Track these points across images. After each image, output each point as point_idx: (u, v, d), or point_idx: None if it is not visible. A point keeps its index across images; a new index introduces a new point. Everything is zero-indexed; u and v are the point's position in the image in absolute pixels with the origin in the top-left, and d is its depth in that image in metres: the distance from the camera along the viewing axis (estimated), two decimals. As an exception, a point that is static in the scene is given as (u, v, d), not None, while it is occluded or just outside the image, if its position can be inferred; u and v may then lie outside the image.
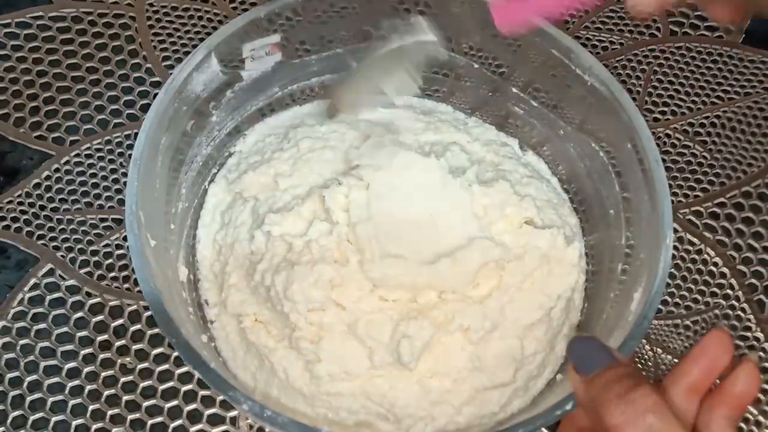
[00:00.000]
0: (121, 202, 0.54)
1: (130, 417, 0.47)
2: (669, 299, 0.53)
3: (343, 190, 0.45)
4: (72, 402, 0.47)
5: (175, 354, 0.49)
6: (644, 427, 0.31)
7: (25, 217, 0.53)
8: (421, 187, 0.46)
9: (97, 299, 0.50)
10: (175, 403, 0.48)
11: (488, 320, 0.43)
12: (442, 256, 0.44)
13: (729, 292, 0.53)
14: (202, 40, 0.55)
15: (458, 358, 0.43)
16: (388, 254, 0.43)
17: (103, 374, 0.48)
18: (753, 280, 0.54)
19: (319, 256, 0.43)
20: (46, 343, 0.49)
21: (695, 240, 0.55)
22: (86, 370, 0.48)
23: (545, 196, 0.50)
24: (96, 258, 0.52)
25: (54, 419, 0.47)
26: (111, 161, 0.56)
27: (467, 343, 0.43)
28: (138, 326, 0.50)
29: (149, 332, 0.49)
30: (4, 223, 0.53)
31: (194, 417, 0.47)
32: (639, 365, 0.50)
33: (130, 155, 0.43)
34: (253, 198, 0.49)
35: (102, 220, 0.53)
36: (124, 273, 0.51)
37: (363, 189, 0.46)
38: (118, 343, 0.49)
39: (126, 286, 0.51)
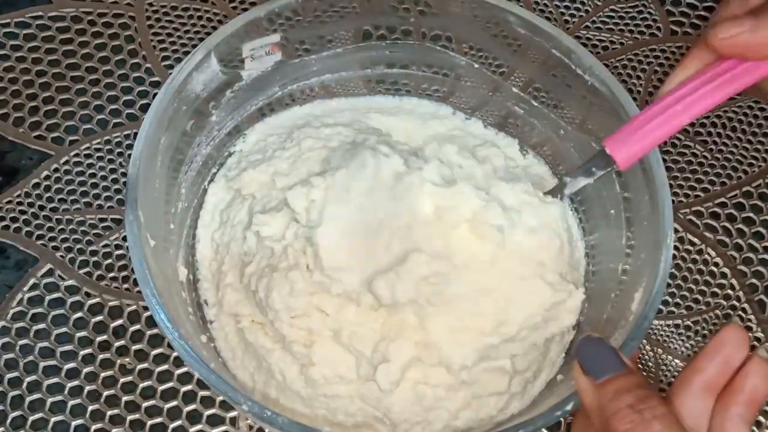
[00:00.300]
0: (121, 202, 0.54)
1: (130, 417, 0.47)
2: (669, 299, 0.53)
3: (304, 190, 0.44)
4: (71, 402, 0.47)
5: (175, 354, 0.49)
6: None
7: (24, 217, 0.53)
8: (376, 187, 0.43)
9: (97, 299, 0.50)
10: (174, 403, 0.47)
11: (469, 360, 0.42)
12: (389, 268, 0.41)
13: (730, 292, 0.53)
14: (201, 39, 0.55)
15: (445, 377, 0.42)
16: (336, 266, 0.42)
17: (103, 375, 0.48)
18: (754, 281, 0.54)
19: (294, 263, 0.43)
20: (45, 344, 0.49)
21: (696, 240, 0.55)
22: (85, 370, 0.48)
23: (560, 233, 0.46)
24: (95, 258, 0.52)
25: (53, 420, 0.47)
26: (110, 161, 0.56)
27: (450, 372, 0.42)
28: (137, 326, 0.50)
29: (149, 332, 0.49)
30: (4, 223, 0.53)
31: (194, 417, 0.47)
32: (639, 366, 0.50)
33: (129, 155, 0.43)
34: (251, 196, 0.48)
35: (101, 220, 0.53)
36: (124, 273, 0.51)
37: (322, 190, 0.44)
38: (117, 344, 0.49)
39: (125, 286, 0.51)
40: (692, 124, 0.60)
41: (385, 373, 0.41)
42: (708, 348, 0.36)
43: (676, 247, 0.53)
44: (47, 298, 0.50)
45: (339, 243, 0.42)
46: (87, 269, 0.51)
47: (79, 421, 0.47)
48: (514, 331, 0.42)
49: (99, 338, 0.49)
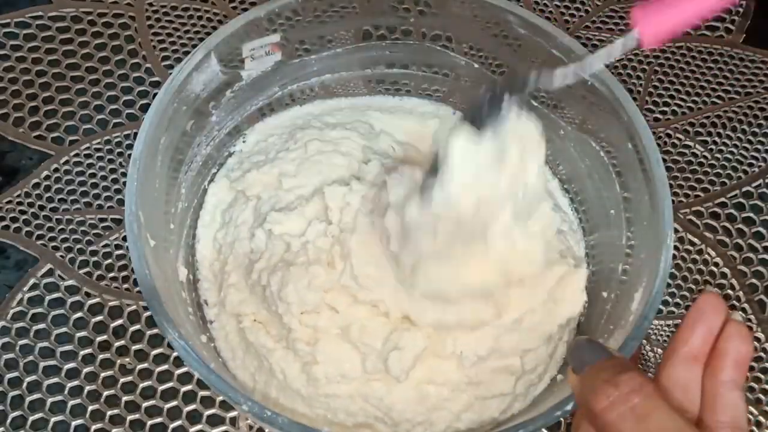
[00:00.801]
0: (121, 202, 0.54)
1: (130, 417, 0.47)
2: (669, 299, 0.53)
3: (344, 190, 0.45)
4: (71, 402, 0.47)
5: (175, 354, 0.49)
6: (629, 407, 0.31)
7: (24, 217, 0.53)
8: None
9: (97, 299, 0.50)
10: (174, 403, 0.47)
11: (483, 349, 0.42)
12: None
13: (730, 292, 0.53)
14: (201, 40, 0.55)
15: (453, 374, 0.43)
16: (367, 275, 0.42)
17: (103, 375, 0.48)
18: (754, 281, 0.54)
19: (314, 258, 0.43)
20: (45, 344, 0.49)
21: (696, 240, 0.55)
22: (85, 370, 0.48)
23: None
24: (95, 258, 0.52)
25: (53, 420, 0.47)
26: (110, 161, 0.56)
27: (460, 366, 0.42)
28: (137, 326, 0.50)
29: (149, 332, 0.49)
30: (4, 223, 0.53)
31: (194, 417, 0.47)
32: (640, 366, 0.50)
33: (129, 155, 0.43)
34: (255, 197, 0.48)
35: (101, 220, 0.53)
36: (124, 273, 0.51)
37: (359, 197, 0.44)
38: (117, 344, 0.49)
39: (125, 286, 0.51)
40: (692, 124, 0.60)
41: (396, 360, 0.41)
42: (689, 318, 0.36)
43: (676, 247, 0.53)
44: (47, 298, 0.50)
45: (372, 254, 0.42)
46: (87, 269, 0.51)
47: (79, 421, 0.47)
48: (518, 312, 0.43)
49: (99, 338, 0.49)
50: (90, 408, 0.47)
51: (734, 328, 0.35)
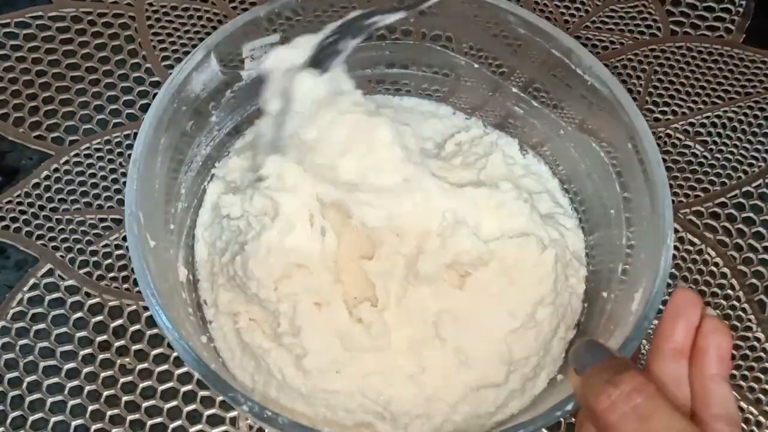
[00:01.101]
0: (121, 202, 0.54)
1: (130, 417, 0.47)
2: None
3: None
4: (71, 402, 0.47)
5: (175, 354, 0.49)
6: (631, 408, 0.31)
7: (24, 217, 0.53)
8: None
9: (97, 299, 0.50)
10: (174, 403, 0.47)
11: (460, 323, 0.43)
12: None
13: (730, 292, 0.53)
14: (201, 40, 0.55)
15: (440, 357, 0.43)
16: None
17: (103, 375, 0.48)
18: (754, 281, 0.54)
19: (259, 226, 0.44)
20: (45, 344, 0.49)
21: (696, 240, 0.55)
22: (85, 370, 0.48)
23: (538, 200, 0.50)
24: (95, 258, 0.52)
25: (53, 420, 0.47)
26: (110, 161, 0.56)
27: (446, 348, 0.43)
28: (137, 326, 0.50)
29: (149, 332, 0.49)
30: (4, 223, 0.53)
31: (194, 417, 0.47)
32: (640, 366, 0.50)
33: (129, 155, 0.43)
34: (234, 183, 0.49)
35: (101, 220, 0.53)
36: (124, 273, 0.51)
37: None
38: (117, 344, 0.49)
39: (125, 286, 0.51)
40: (692, 124, 0.60)
41: (362, 335, 0.42)
42: (667, 315, 0.36)
43: (676, 247, 0.53)
44: (47, 298, 0.50)
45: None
46: (87, 269, 0.51)
47: (79, 421, 0.47)
48: (481, 285, 0.44)
49: (99, 338, 0.49)
50: (90, 408, 0.47)
51: (711, 323, 0.35)
